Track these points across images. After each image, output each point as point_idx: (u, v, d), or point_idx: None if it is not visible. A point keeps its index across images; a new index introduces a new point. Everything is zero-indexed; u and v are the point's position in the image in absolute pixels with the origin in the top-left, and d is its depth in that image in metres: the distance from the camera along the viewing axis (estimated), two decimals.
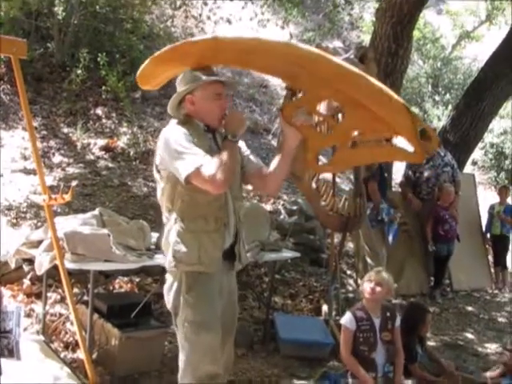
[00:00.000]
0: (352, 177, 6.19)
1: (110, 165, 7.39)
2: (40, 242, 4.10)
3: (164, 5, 9.97)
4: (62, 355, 4.07)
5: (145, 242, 4.30)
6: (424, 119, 14.01)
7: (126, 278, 5.27)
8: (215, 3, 10.24)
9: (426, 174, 7.17)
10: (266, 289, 5.76)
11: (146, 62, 2.96)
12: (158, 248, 4.09)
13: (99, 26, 8.93)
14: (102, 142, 7.76)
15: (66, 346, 4.25)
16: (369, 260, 6.30)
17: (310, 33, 12.80)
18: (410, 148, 2.79)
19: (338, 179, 6.73)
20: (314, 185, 4.95)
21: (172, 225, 2.91)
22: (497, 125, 13.03)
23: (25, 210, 5.85)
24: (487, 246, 8.28)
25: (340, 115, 3.72)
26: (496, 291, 7.80)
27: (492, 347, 5.67)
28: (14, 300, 4.59)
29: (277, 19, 11.29)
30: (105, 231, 4.06)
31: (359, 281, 6.20)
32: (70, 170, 6.96)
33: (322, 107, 4.10)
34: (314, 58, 2.68)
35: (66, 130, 7.77)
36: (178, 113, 3.01)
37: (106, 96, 8.36)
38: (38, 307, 4.57)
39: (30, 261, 4.58)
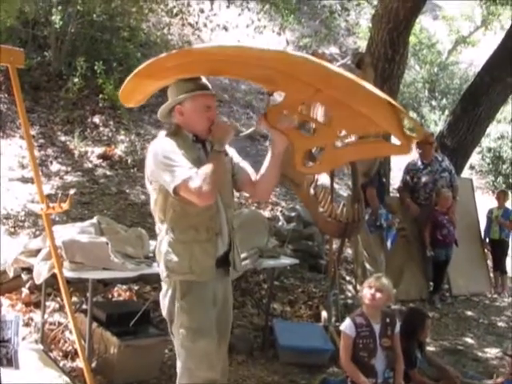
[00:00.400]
0: (350, 183, 6.18)
1: (108, 173, 7.39)
2: (38, 251, 4.09)
3: (161, 13, 9.98)
4: (61, 364, 4.07)
5: (143, 250, 4.29)
6: (421, 124, 14.04)
7: (124, 286, 5.26)
8: (212, 10, 10.27)
9: (423, 179, 7.17)
10: (264, 295, 5.75)
11: (127, 79, 2.98)
12: (155, 251, 4.09)
13: (96, 35, 8.95)
14: (99, 150, 7.77)
15: (65, 355, 4.24)
16: (367, 266, 6.30)
17: (307, 39, 12.84)
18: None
19: (336, 185, 6.74)
20: (312, 191, 4.95)
21: (164, 235, 2.94)
22: (494, 129, 13.04)
23: (23, 218, 5.84)
24: (486, 251, 8.27)
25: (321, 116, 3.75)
26: (495, 296, 7.79)
27: (492, 352, 5.66)
28: (12, 309, 4.57)
29: (273, 26, 11.32)
30: (103, 239, 4.06)
31: (358, 287, 6.20)
32: (68, 178, 6.96)
33: (318, 113, 4.13)
34: (286, 59, 2.68)
35: (63, 139, 7.77)
36: (169, 119, 3.06)
37: (103, 104, 8.37)
38: (36, 316, 4.56)
39: (29, 270, 4.58)
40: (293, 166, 3.11)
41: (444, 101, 14.98)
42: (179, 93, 2.93)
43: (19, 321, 3.33)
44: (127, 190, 7.07)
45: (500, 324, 6.64)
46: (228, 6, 10.77)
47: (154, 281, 5.14)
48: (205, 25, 10.25)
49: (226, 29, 10.57)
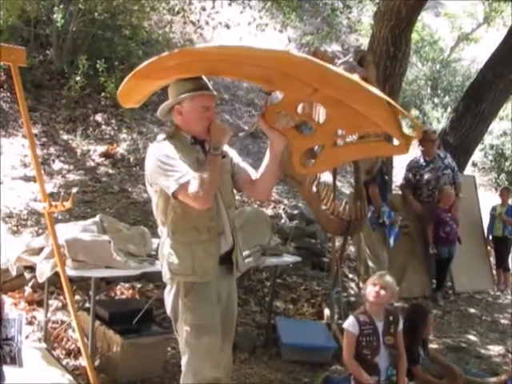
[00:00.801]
0: (352, 180, 6.18)
1: (110, 171, 7.39)
2: (41, 250, 4.09)
3: (162, 11, 9.97)
4: (64, 362, 4.07)
5: (146, 248, 4.29)
6: (424, 121, 14.04)
7: (127, 285, 5.26)
8: (213, 8, 10.25)
9: (426, 176, 7.16)
10: (267, 293, 5.75)
11: (125, 80, 2.99)
12: (158, 253, 4.09)
13: (98, 33, 8.95)
14: (101, 148, 7.77)
15: (68, 354, 4.24)
16: (370, 263, 6.30)
17: (309, 37, 12.81)
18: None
19: (338, 183, 6.72)
20: (314, 189, 4.94)
21: (166, 237, 2.97)
22: (496, 126, 13.02)
23: (25, 217, 5.85)
24: (489, 248, 8.26)
25: (322, 115, 3.73)
26: (498, 293, 7.78)
27: (495, 349, 5.65)
28: (15, 308, 4.58)
29: (275, 23, 11.29)
30: (106, 238, 4.07)
31: (361, 284, 6.20)
32: (70, 176, 6.96)
33: (321, 112, 4.12)
34: (285, 59, 2.67)
35: (65, 137, 7.78)
36: (169, 117, 3.07)
37: (105, 102, 8.37)
38: (39, 315, 4.57)
39: (32, 268, 4.58)
40: (292, 166, 3.11)
41: (446, 98, 14.96)
42: (178, 92, 2.93)
43: (22, 319, 3.35)
44: (129, 189, 7.07)
45: (503, 321, 6.63)
46: (230, 4, 10.74)
47: (156, 279, 5.15)
48: (207, 23, 10.24)
49: (227, 27, 10.56)
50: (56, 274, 3.76)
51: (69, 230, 4.14)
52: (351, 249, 7.29)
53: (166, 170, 2.80)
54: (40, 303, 4.65)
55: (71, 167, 7.17)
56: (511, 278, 8.08)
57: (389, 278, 3.94)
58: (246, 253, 4.20)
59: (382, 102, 2.61)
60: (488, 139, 12.86)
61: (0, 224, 5.42)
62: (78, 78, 8.01)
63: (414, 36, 11.78)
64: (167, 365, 4.30)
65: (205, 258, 2.90)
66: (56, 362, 3.86)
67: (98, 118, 8.40)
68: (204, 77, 3.00)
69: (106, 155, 7.64)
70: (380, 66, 6.53)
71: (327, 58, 4.97)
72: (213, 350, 2.90)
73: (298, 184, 5.12)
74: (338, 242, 6.02)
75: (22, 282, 4.85)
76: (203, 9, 10.15)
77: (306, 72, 2.68)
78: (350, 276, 6.99)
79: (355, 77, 2.88)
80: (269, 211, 7.46)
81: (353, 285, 6.75)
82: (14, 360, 3.29)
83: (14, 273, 4.72)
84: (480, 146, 11.32)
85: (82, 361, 3.94)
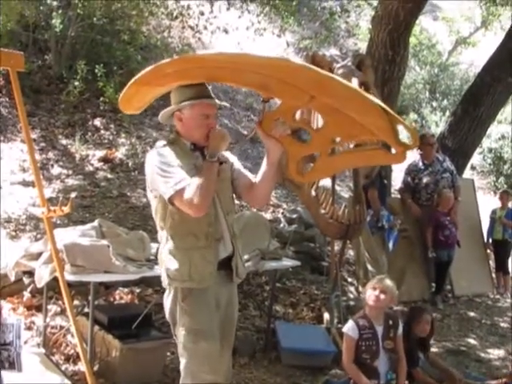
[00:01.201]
0: (351, 184, 6.18)
1: (109, 176, 7.39)
2: (40, 255, 4.09)
3: (161, 15, 9.99)
4: (63, 368, 4.06)
5: (145, 253, 4.29)
6: (422, 125, 14.05)
7: (126, 289, 5.26)
8: (212, 13, 10.27)
9: (424, 180, 7.16)
10: (266, 297, 5.74)
11: (127, 86, 2.99)
12: (157, 258, 4.08)
13: (96, 38, 8.96)
14: (100, 153, 7.77)
15: (67, 359, 4.23)
16: (369, 267, 6.29)
17: (307, 41, 12.84)
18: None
19: (337, 187, 6.72)
20: (313, 193, 4.95)
21: (164, 242, 2.98)
22: (495, 130, 13.03)
23: (24, 222, 5.84)
24: (488, 251, 8.26)
25: (318, 123, 3.73)
26: (498, 296, 7.78)
27: (495, 353, 5.65)
28: (14, 313, 4.57)
29: (273, 28, 11.32)
30: (104, 242, 4.06)
31: (360, 288, 6.19)
32: (69, 181, 6.96)
33: (319, 119, 4.12)
34: (280, 66, 2.68)
35: (64, 142, 7.77)
36: (170, 122, 3.09)
37: (103, 107, 8.38)
38: (38, 320, 4.56)
39: (30, 273, 4.57)
40: (287, 174, 3.11)
41: (445, 102, 14.97)
42: (179, 99, 2.94)
43: (21, 324, 3.33)
44: (128, 193, 7.07)
45: (503, 325, 6.63)
46: (228, 9, 10.77)
47: (155, 283, 5.14)
48: (205, 27, 10.25)
49: (226, 31, 10.57)
50: (55, 279, 3.75)
51: (67, 235, 4.14)
52: (350, 253, 7.28)
53: (164, 176, 2.81)
54: (39, 308, 4.64)
55: (70, 172, 7.17)
56: (511, 282, 8.08)
57: (389, 282, 3.94)
58: (245, 257, 4.19)
59: (378, 109, 2.60)
60: (486, 142, 12.88)
61: None
62: (76, 83, 8.02)
63: (412, 40, 11.79)
64: (166, 369, 4.29)
65: (202, 264, 2.90)
66: (55, 368, 3.85)
67: (97, 122, 8.41)
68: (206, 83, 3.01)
69: (104, 160, 7.64)
70: (378, 70, 6.54)
71: (325, 62, 4.99)
72: (211, 354, 2.90)
73: (296, 188, 5.12)
74: (337, 246, 6.01)
75: (21, 287, 4.84)
76: (201, 13, 10.17)
77: (303, 79, 2.68)
78: (350, 280, 6.98)
79: (353, 83, 2.88)
80: (268, 215, 7.46)
81: (352, 289, 6.74)
82: (13, 365, 3.27)
83: (12, 278, 4.72)
84: (478, 150, 11.33)
85: (81, 366, 3.94)
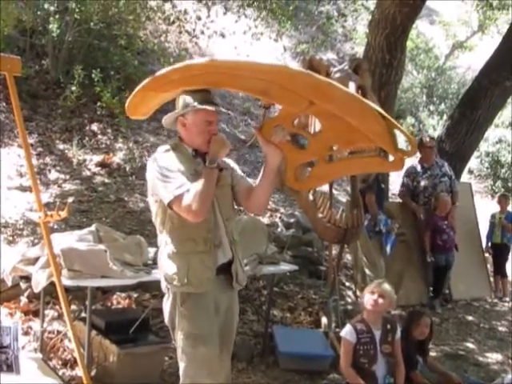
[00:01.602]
0: (349, 188, 6.18)
1: (106, 180, 7.38)
2: (37, 259, 4.08)
3: (158, 20, 9.99)
4: (60, 373, 4.05)
5: (142, 258, 4.28)
6: (419, 129, 14.06)
7: (123, 294, 5.24)
8: (209, 17, 10.27)
9: (422, 183, 7.17)
10: (264, 302, 5.73)
11: (133, 93, 3.00)
12: (155, 263, 4.07)
13: (93, 43, 8.96)
14: (97, 157, 7.76)
15: (65, 364, 4.22)
16: (367, 271, 6.28)
17: (304, 45, 12.86)
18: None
19: (334, 191, 6.72)
20: (311, 197, 4.95)
21: (164, 247, 2.99)
22: (492, 133, 13.06)
23: (21, 227, 5.83)
24: (487, 255, 8.27)
25: (316, 127, 3.73)
26: (496, 300, 7.78)
27: (493, 357, 5.64)
28: (11, 318, 4.56)
29: (270, 32, 11.33)
30: (102, 247, 4.05)
31: (358, 292, 6.19)
32: (66, 186, 6.95)
33: (317, 125, 4.12)
34: (280, 72, 2.68)
35: (61, 147, 7.77)
36: (173, 127, 3.09)
37: (101, 112, 8.37)
38: (35, 325, 4.55)
39: (27, 278, 4.55)
40: (285, 181, 3.11)
41: (442, 105, 14.99)
42: (183, 104, 2.96)
43: (18, 327, 3.32)
44: (126, 198, 7.06)
45: (501, 328, 6.63)
46: (225, 13, 10.79)
47: (153, 288, 5.13)
48: (202, 32, 10.25)
49: (223, 36, 10.58)
50: (52, 284, 3.74)
51: (64, 240, 4.13)
52: (348, 257, 7.27)
53: (164, 180, 2.83)
54: (36, 313, 4.63)
55: (67, 177, 7.16)
56: (509, 285, 8.08)
57: (387, 286, 3.94)
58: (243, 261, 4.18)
59: (376, 115, 2.60)
60: (484, 146, 12.91)
61: None
62: (73, 88, 8.01)
63: (409, 44, 11.79)
64: (164, 374, 4.27)
65: (200, 268, 2.91)
66: (52, 373, 3.84)
67: (94, 127, 8.40)
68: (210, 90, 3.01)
69: (102, 165, 7.63)
70: (375, 74, 6.54)
71: (322, 66, 5.00)
72: (209, 359, 2.90)
73: (294, 192, 5.12)
74: (334, 251, 6.02)
75: (18, 292, 4.82)
76: (198, 18, 10.18)
77: (301, 85, 2.69)
78: (347, 284, 6.98)
79: (351, 87, 2.88)
80: (265, 220, 7.45)
81: (350, 293, 6.73)
82: (11, 368, 3.25)
83: (9, 283, 4.70)
84: (476, 153, 11.36)
85: (79, 371, 3.92)
